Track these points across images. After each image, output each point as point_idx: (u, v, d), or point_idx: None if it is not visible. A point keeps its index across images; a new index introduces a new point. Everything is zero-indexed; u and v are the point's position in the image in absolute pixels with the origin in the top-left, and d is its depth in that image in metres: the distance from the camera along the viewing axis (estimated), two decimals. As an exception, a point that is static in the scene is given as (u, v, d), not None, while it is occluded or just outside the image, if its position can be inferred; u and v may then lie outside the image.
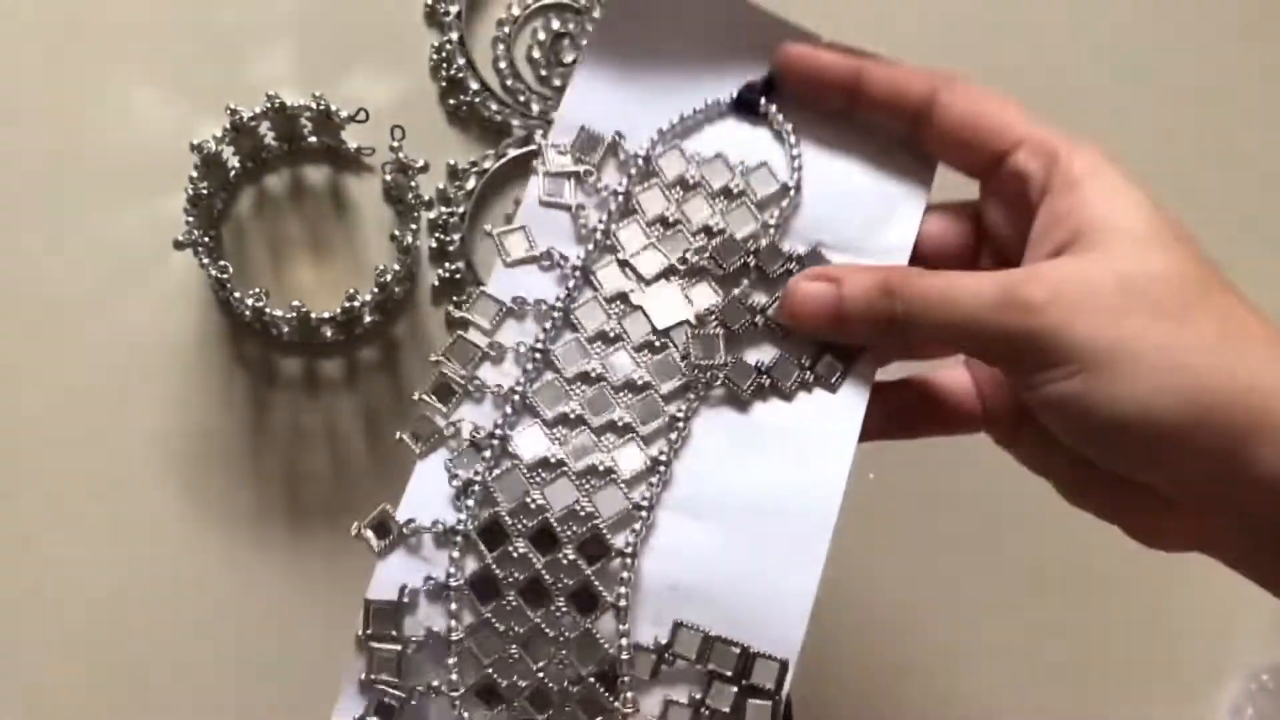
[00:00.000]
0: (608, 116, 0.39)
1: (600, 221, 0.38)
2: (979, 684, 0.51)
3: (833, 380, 0.37)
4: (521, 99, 0.51)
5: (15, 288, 0.48)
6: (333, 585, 0.48)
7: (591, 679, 0.34)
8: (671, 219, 0.38)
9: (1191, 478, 0.32)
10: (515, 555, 0.35)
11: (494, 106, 0.50)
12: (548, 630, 0.35)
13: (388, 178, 0.49)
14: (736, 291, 0.37)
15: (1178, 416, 0.31)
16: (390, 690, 0.35)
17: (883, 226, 0.38)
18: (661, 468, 0.36)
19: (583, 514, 0.35)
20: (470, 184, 0.50)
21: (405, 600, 0.35)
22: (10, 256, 0.48)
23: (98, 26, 0.50)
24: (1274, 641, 0.50)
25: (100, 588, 0.47)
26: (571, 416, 0.36)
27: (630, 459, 0.36)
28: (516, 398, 0.36)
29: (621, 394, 0.37)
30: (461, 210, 0.50)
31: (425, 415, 0.36)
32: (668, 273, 0.38)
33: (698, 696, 0.34)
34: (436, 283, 0.50)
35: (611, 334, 0.37)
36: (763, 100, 0.38)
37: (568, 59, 0.51)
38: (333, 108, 0.46)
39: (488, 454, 0.36)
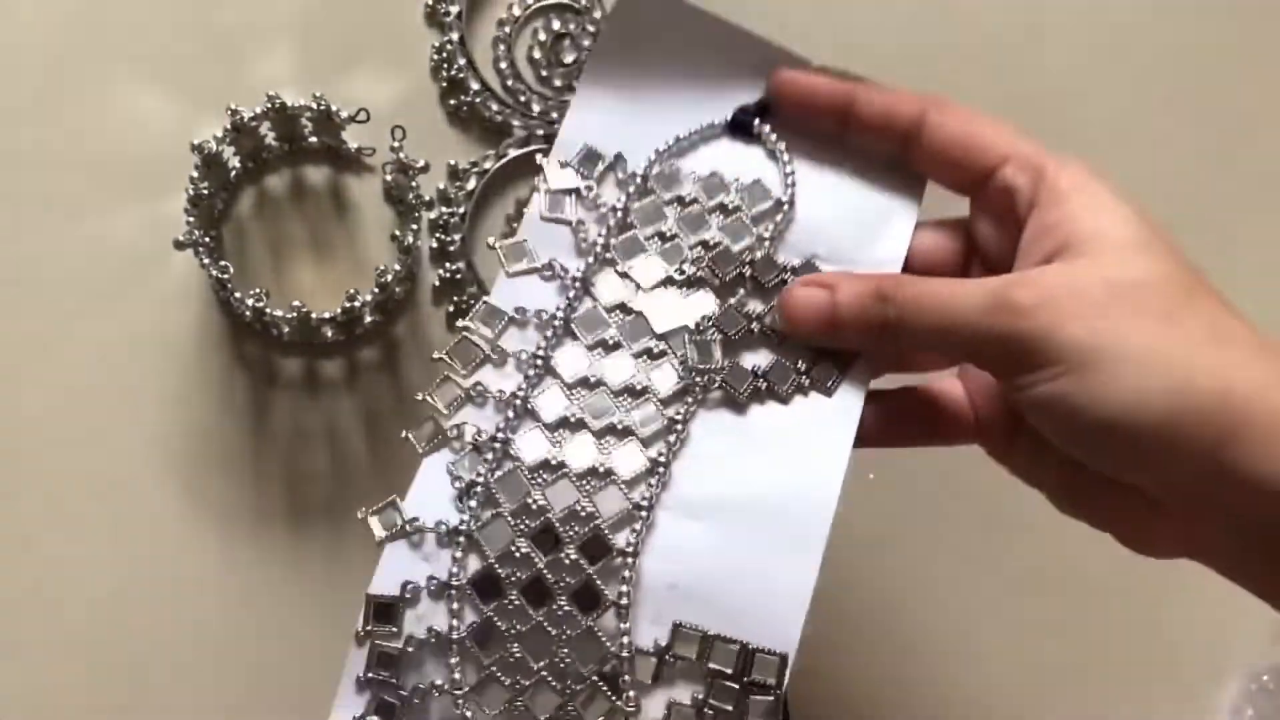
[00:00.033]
0: (607, 136, 0.40)
1: (600, 236, 0.39)
2: (978, 684, 0.51)
3: (828, 385, 0.38)
4: (522, 99, 0.51)
5: (15, 288, 0.48)
6: (332, 585, 0.48)
7: (594, 678, 0.35)
8: (669, 233, 0.39)
9: (1177, 478, 0.32)
10: (517, 555, 0.35)
11: (494, 107, 0.50)
12: (550, 629, 0.35)
13: (388, 178, 0.49)
14: (733, 300, 0.38)
15: (1164, 416, 0.31)
16: (389, 689, 0.35)
17: (875, 239, 0.39)
18: (661, 469, 0.37)
19: (583, 514, 0.36)
20: (471, 184, 0.50)
21: (407, 596, 0.35)
22: (10, 256, 0.48)
23: (98, 26, 0.50)
24: (1274, 642, 0.51)
25: (100, 588, 0.47)
26: (572, 420, 0.37)
27: (630, 460, 0.37)
28: (518, 402, 0.37)
29: (621, 398, 0.37)
30: (462, 210, 0.50)
31: (430, 417, 0.37)
32: (666, 283, 0.38)
33: (700, 696, 0.35)
34: (437, 283, 0.50)
35: (611, 341, 0.38)
36: (756, 121, 0.40)
37: (568, 59, 0.51)
38: (333, 108, 0.46)
39: (489, 456, 0.36)
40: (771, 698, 0.34)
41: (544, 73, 0.51)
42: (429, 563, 0.36)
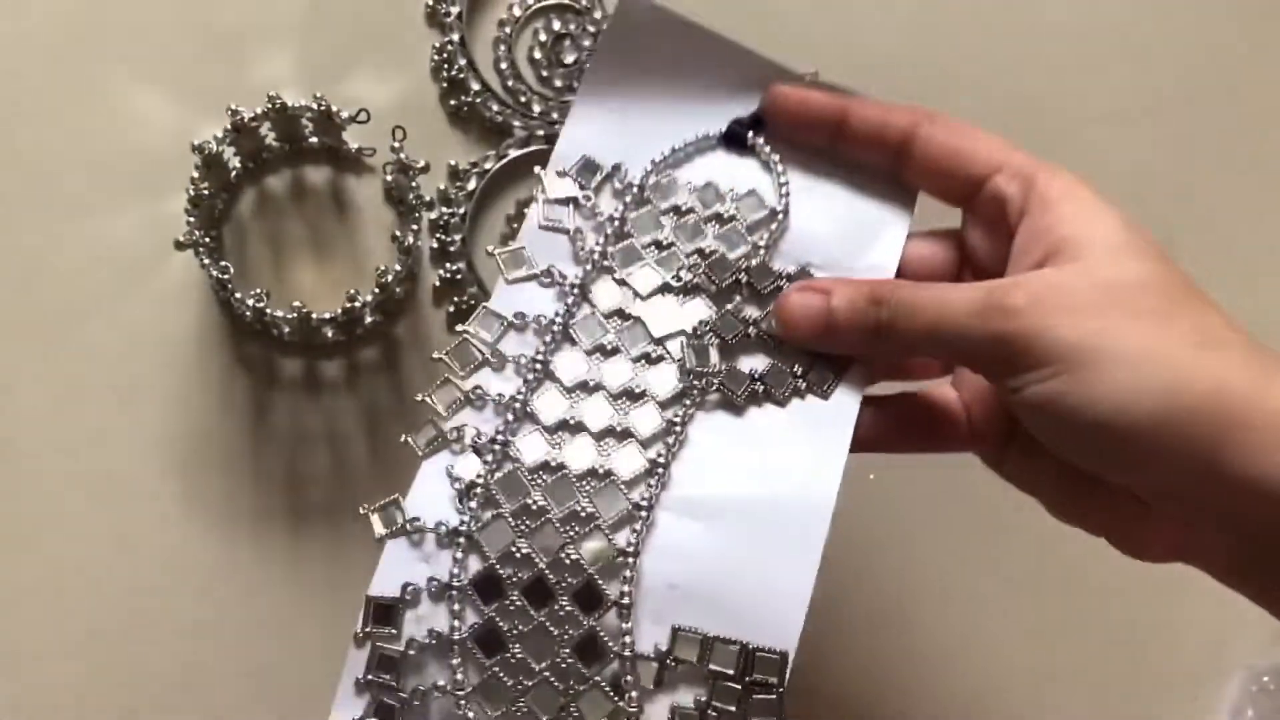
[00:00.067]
0: (604, 148, 0.40)
1: (597, 244, 0.39)
2: (978, 684, 0.51)
3: (825, 388, 0.38)
4: (522, 100, 0.51)
5: (16, 288, 0.48)
6: (332, 586, 0.48)
7: (596, 678, 0.35)
8: (666, 242, 0.40)
9: (1170, 479, 0.32)
10: (518, 555, 0.35)
11: (495, 107, 0.50)
12: (552, 629, 0.35)
13: (389, 178, 0.49)
14: (729, 306, 0.39)
15: (1155, 415, 0.31)
16: (389, 690, 0.35)
17: (868, 248, 0.39)
18: (660, 469, 0.37)
19: (584, 514, 0.36)
20: (471, 185, 0.50)
21: (407, 597, 0.36)
22: (11, 256, 0.48)
23: (99, 27, 0.50)
24: (1274, 642, 0.51)
25: (100, 588, 0.47)
26: (571, 423, 0.37)
27: (629, 461, 0.37)
28: (517, 405, 0.37)
29: (620, 401, 0.38)
30: (462, 211, 0.50)
31: (430, 420, 0.37)
32: (663, 289, 0.39)
33: (703, 699, 0.35)
34: (437, 283, 0.50)
35: (609, 346, 0.38)
36: (750, 134, 0.40)
37: (569, 60, 0.51)
38: (334, 108, 0.46)
39: (489, 458, 0.37)
40: (774, 696, 0.35)
41: (544, 73, 0.51)
42: (429, 564, 0.36)
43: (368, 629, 0.36)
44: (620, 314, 0.39)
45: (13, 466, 0.48)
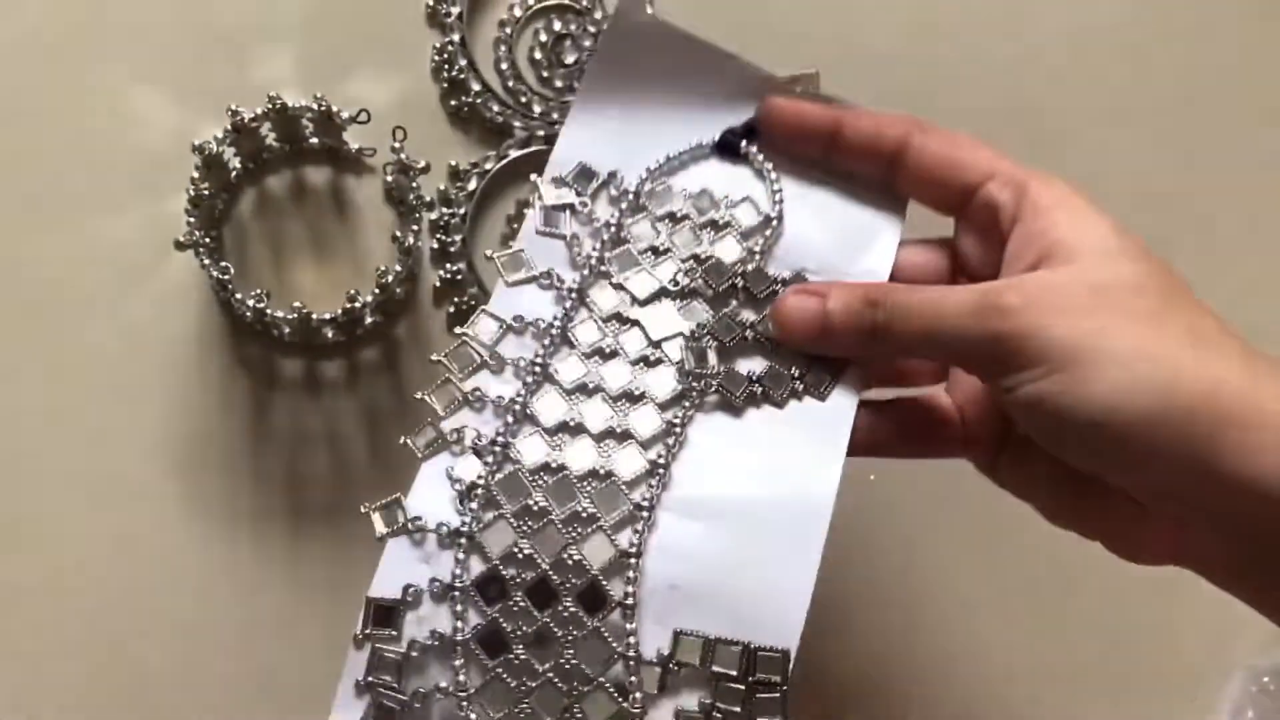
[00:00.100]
0: (600, 155, 0.41)
1: (594, 249, 0.40)
2: (978, 684, 0.51)
3: (822, 389, 0.38)
4: (523, 100, 0.51)
5: (16, 288, 0.48)
6: (332, 586, 0.48)
7: (600, 679, 0.35)
8: (662, 248, 0.40)
9: (1163, 478, 0.32)
10: (520, 556, 0.35)
11: (495, 107, 0.50)
12: (556, 630, 0.35)
13: (389, 179, 0.49)
14: (726, 310, 0.39)
15: (1149, 414, 0.31)
16: (389, 692, 0.35)
17: (862, 254, 0.40)
18: (661, 470, 0.37)
19: (585, 515, 0.36)
20: (472, 185, 0.50)
21: (409, 599, 0.36)
22: (11, 256, 0.48)
23: (99, 27, 0.50)
24: (1275, 643, 0.51)
25: (100, 588, 0.47)
26: (571, 424, 0.38)
27: (630, 461, 0.37)
28: (517, 407, 0.38)
29: (620, 403, 0.38)
30: (463, 211, 0.50)
31: (429, 422, 0.37)
32: (660, 294, 0.39)
33: (707, 701, 0.35)
34: (438, 284, 0.50)
35: (608, 349, 0.39)
36: (743, 143, 0.41)
37: (569, 60, 0.51)
38: (334, 109, 0.46)
39: (489, 459, 0.37)
40: (777, 694, 0.35)
41: (545, 73, 0.51)
42: (429, 565, 0.36)
43: (368, 630, 0.35)
44: (618, 317, 0.39)
45: (13, 466, 0.48)
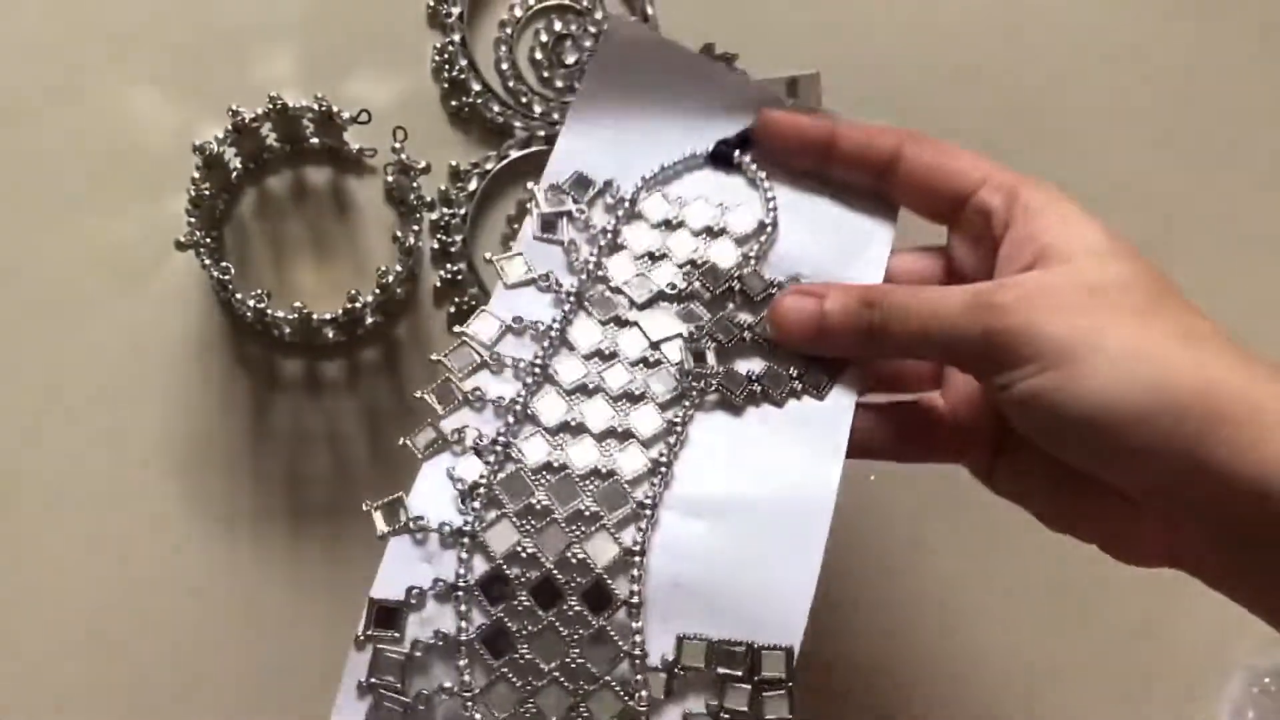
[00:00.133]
0: (596, 164, 0.41)
1: (591, 255, 0.40)
2: (978, 684, 0.51)
3: (820, 389, 0.39)
4: (524, 100, 0.51)
5: (16, 287, 0.48)
6: (332, 586, 0.48)
7: (606, 678, 0.35)
8: (658, 253, 0.40)
9: (1157, 475, 0.32)
10: (524, 555, 0.36)
11: (496, 108, 0.50)
12: (561, 629, 0.35)
13: (390, 179, 0.49)
14: (724, 312, 0.39)
15: (1143, 410, 0.32)
16: (391, 694, 0.35)
17: (854, 260, 0.40)
18: (663, 468, 0.37)
19: (588, 514, 0.36)
20: (472, 185, 0.50)
21: (412, 601, 0.36)
22: (11, 257, 0.48)
23: (100, 27, 0.50)
24: (1275, 643, 0.51)
25: (100, 588, 0.47)
26: (573, 424, 0.38)
27: (632, 460, 0.37)
28: (518, 408, 0.38)
29: (620, 403, 0.38)
30: (463, 211, 0.50)
31: (430, 422, 0.38)
32: (657, 297, 0.40)
33: (714, 703, 0.35)
34: (438, 284, 0.50)
35: (607, 351, 0.39)
36: (736, 153, 0.41)
37: (570, 60, 0.51)
38: (335, 109, 0.46)
39: (491, 459, 0.37)
40: (783, 691, 0.35)
41: (545, 74, 0.51)
42: (432, 565, 0.36)
43: (369, 632, 0.35)
44: (617, 320, 0.39)
45: (13, 466, 0.48)
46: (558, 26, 0.51)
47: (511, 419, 0.38)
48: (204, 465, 0.48)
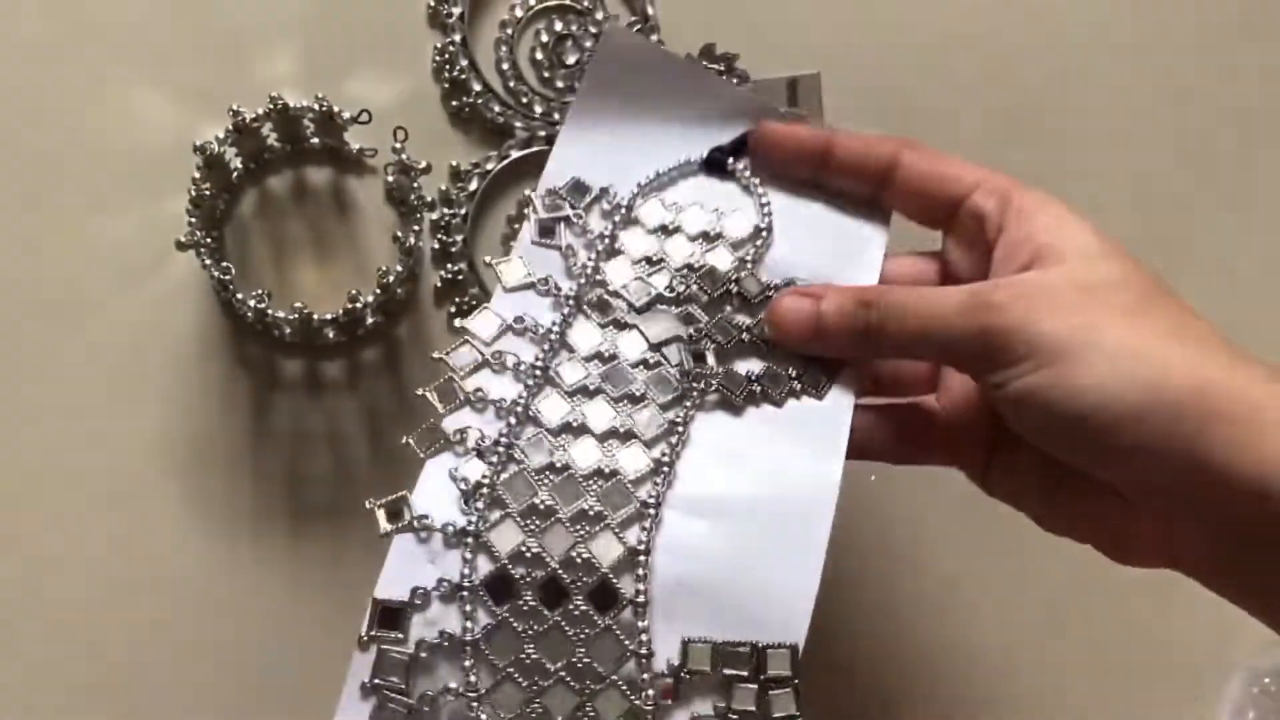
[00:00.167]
0: (593, 170, 0.42)
1: (589, 260, 0.40)
2: (978, 684, 0.51)
3: (819, 389, 0.39)
4: (524, 100, 0.51)
5: (16, 288, 0.48)
6: (333, 587, 0.48)
7: (613, 677, 0.35)
8: (655, 258, 0.41)
9: (1152, 472, 0.32)
10: (529, 555, 0.36)
11: (496, 108, 0.50)
12: (567, 628, 0.35)
13: (390, 179, 0.49)
14: (722, 314, 0.40)
15: (1136, 407, 0.32)
16: (395, 695, 0.35)
17: (850, 262, 0.41)
18: (665, 468, 0.37)
19: (592, 513, 0.36)
20: (473, 185, 0.50)
21: (416, 601, 0.36)
22: (11, 257, 0.48)
23: (100, 27, 0.50)
24: (1276, 644, 0.51)
25: (101, 589, 0.47)
26: (575, 425, 0.38)
27: (634, 460, 0.38)
28: (520, 409, 0.38)
29: (621, 403, 0.38)
30: (464, 212, 0.50)
31: (433, 422, 0.38)
32: (655, 301, 0.40)
33: (722, 705, 0.35)
34: (439, 284, 0.50)
35: (607, 353, 0.39)
36: (730, 160, 0.42)
37: (570, 60, 0.51)
38: (335, 109, 0.46)
39: (494, 459, 0.37)
40: (790, 689, 0.35)
41: (546, 74, 0.51)
42: (435, 565, 0.36)
43: (372, 632, 0.35)
44: (616, 323, 0.40)
45: (13, 466, 0.48)
46: (558, 26, 0.51)
47: (513, 420, 0.38)
48: (204, 465, 0.48)
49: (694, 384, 0.38)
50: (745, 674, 0.35)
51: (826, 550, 0.36)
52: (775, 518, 0.37)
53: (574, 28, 0.51)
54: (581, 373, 0.39)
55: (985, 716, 0.51)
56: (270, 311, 0.45)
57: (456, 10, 0.50)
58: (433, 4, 0.51)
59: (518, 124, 0.50)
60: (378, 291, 0.46)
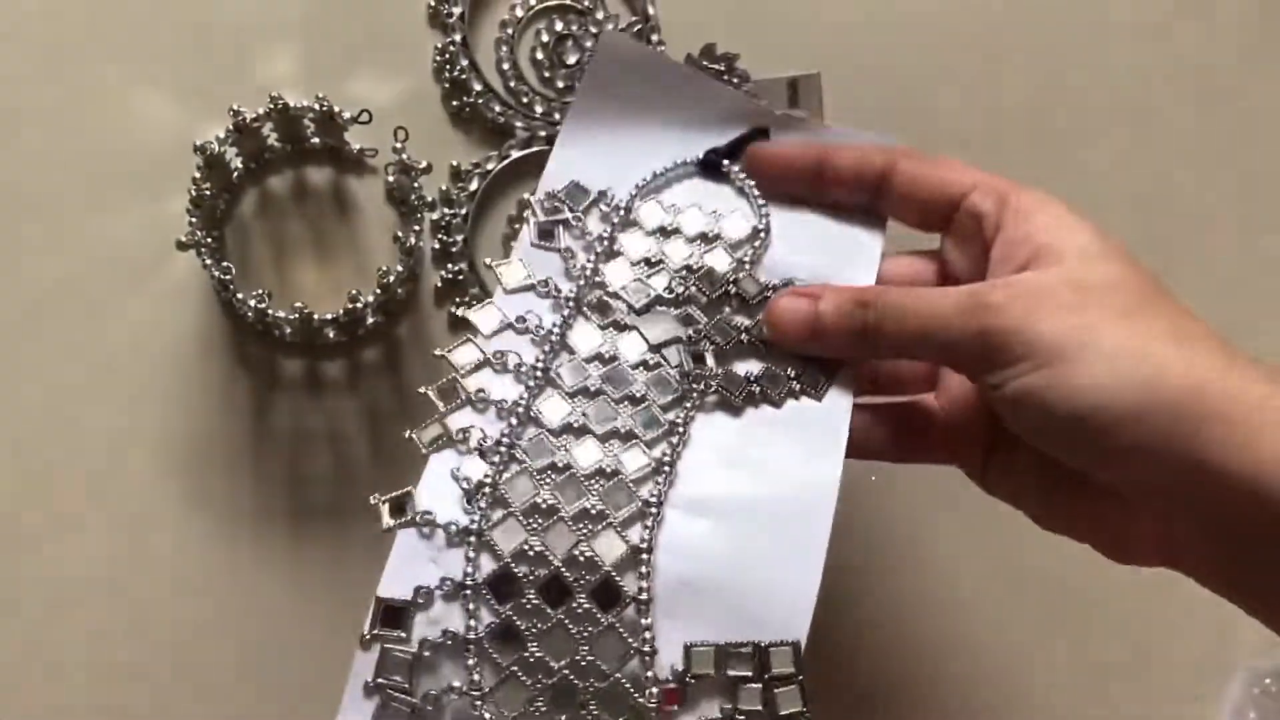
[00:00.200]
0: (591, 173, 0.42)
1: (589, 262, 0.41)
2: (979, 684, 0.51)
3: (818, 389, 0.39)
4: (525, 100, 0.51)
5: (17, 288, 0.48)
6: (334, 586, 0.47)
7: (617, 674, 0.35)
8: (654, 260, 0.41)
9: (1149, 472, 0.32)
10: (531, 554, 0.36)
11: (497, 108, 0.50)
12: (570, 627, 0.35)
13: (390, 179, 0.49)
14: (720, 316, 0.40)
15: (1133, 407, 0.32)
16: (398, 694, 0.35)
17: (848, 263, 0.41)
18: (666, 468, 0.37)
19: (594, 512, 0.37)
20: (473, 185, 0.50)
21: (419, 600, 0.36)
22: (12, 257, 0.48)
23: (100, 27, 0.50)
24: (1276, 644, 0.51)
25: (101, 589, 0.47)
26: (576, 425, 0.38)
27: (635, 460, 0.38)
28: (521, 410, 0.38)
29: (622, 404, 0.39)
30: (464, 212, 0.50)
31: (435, 420, 0.38)
32: (655, 302, 0.40)
33: (728, 707, 0.35)
34: (439, 284, 0.50)
35: (607, 355, 0.39)
36: (725, 162, 0.42)
37: (571, 60, 0.51)
38: (336, 109, 0.46)
39: (496, 459, 0.37)
40: (794, 686, 0.35)
41: (547, 74, 0.51)
42: (438, 564, 0.36)
43: (375, 631, 0.35)
44: (616, 325, 0.40)
45: (14, 466, 0.48)
46: (559, 26, 0.51)
47: (514, 421, 0.38)
48: (204, 465, 0.48)
49: (694, 385, 0.39)
50: (749, 674, 0.35)
51: (827, 549, 0.36)
52: (776, 518, 0.37)
53: (574, 28, 0.51)
54: (582, 374, 0.39)
55: (984, 716, 0.51)
56: (271, 311, 0.45)
57: (457, 10, 0.50)
58: (433, 4, 0.51)
59: (518, 124, 0.50)
60: (378, 291, 0.46)
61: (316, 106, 0.46)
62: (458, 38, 0.50)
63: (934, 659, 0.51)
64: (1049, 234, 0.36)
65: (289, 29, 0.50)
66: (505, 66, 0.51)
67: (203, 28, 0.50)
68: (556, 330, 0.39)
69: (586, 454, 0.37)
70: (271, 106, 0.45)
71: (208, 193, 0.45)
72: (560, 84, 0.51)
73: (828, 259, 0.41)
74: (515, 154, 0.50)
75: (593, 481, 0.37)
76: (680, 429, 0.38)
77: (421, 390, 0.38)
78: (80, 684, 0.47)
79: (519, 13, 0.51)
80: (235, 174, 0.49)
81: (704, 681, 0.35)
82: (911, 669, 0.51)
